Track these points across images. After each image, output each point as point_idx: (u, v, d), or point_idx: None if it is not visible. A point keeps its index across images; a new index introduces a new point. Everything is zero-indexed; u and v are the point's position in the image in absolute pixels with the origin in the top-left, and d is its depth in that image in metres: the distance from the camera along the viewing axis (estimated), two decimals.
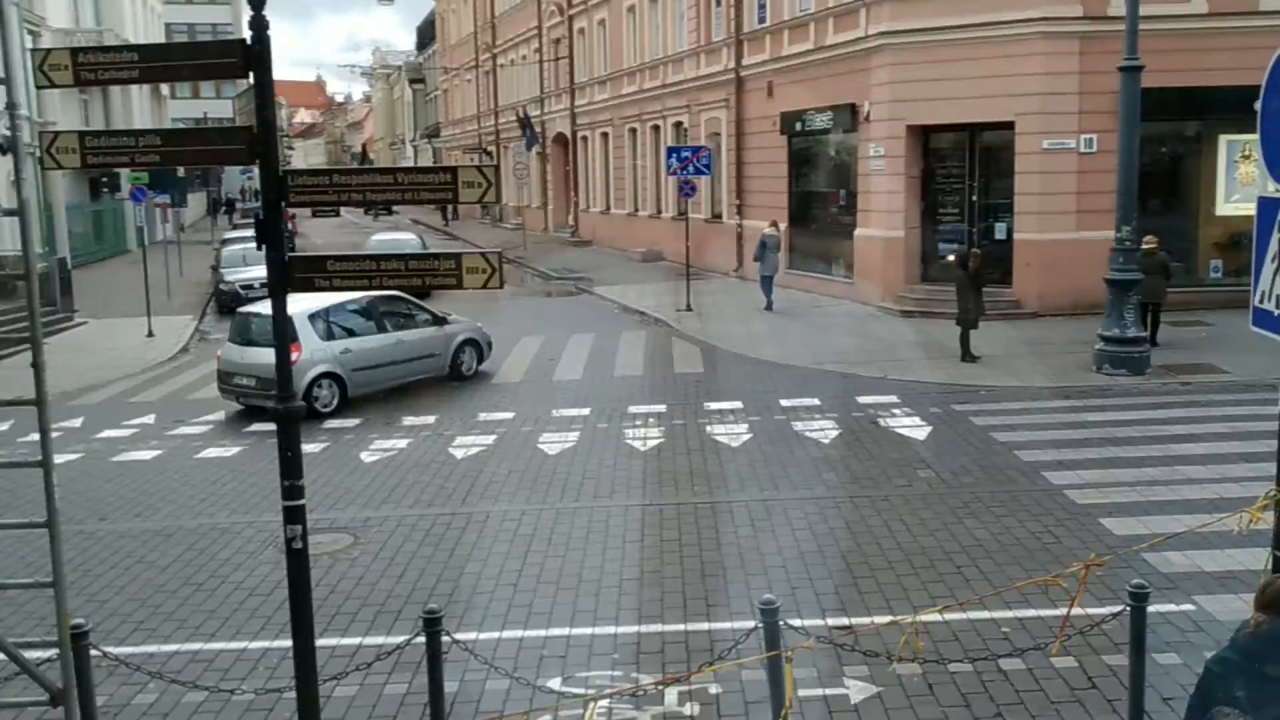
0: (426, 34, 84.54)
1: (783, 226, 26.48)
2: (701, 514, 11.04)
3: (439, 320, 18.63)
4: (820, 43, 25.62)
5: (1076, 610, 8.01)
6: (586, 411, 15.59)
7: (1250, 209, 22.89)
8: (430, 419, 15.59)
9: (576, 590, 9.24)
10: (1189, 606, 8.35)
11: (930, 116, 22.40)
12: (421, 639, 6.57)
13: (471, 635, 8.17)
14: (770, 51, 28.24)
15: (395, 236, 37.04)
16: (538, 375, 18.73)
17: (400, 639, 7.26)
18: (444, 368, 18.43)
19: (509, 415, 15.58)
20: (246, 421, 15.85)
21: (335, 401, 16.47)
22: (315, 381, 16.22)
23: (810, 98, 25.99)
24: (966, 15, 21.55)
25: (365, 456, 13.84)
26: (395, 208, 65.66)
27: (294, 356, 14.07)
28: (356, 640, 8.41)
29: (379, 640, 8.30)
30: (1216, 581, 8.75)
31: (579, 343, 21.63)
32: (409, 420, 15.57)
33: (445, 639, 6.59)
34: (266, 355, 15.06)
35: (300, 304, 15.61)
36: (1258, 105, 21.27)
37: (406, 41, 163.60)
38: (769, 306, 24.11)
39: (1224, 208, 22.05)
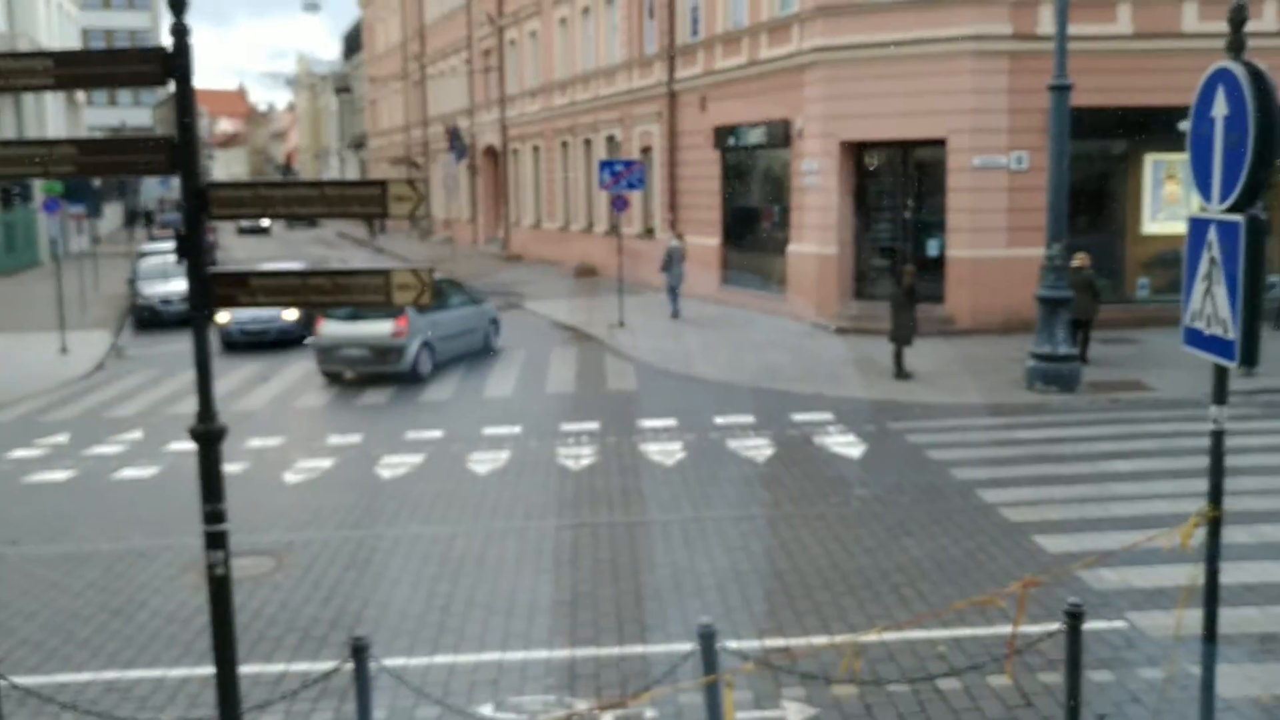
0: (353, 42, 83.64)
1: (716, 242, 26.47)
2: (636, 534, 10.89)
3: (476, 300, 22.05)
4: (754, 57, 25.70)
5: (1010, 629, 8.03)
6: (517, 430, 15.36)
7: (1175, 228, 23.43)
8: (356, 438, 15.26)
9: (508, 614, 9.03)
10: (1121, 624, 8.37)
11: (863, 133, 22.54)
12: (348, 665, 6.33)
13: (400, 661, 7.93)
14: (703, 65, 28.28)
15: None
16: (467, 392, 18.46)
17: (327, 665, 7.02)
18: (480, 343, 21.64)
19: (437, 434, 15.29)
20: (165, 440, 15.39)
21: (430, 367, 19.47)
22: (420, 350, 19.15)
23: (744, 112, 26.04)
24: (899, 31, 21.72)
25: (288, 477, 13.48)
26: (320, 221, 64.88)
27: (401, 328, 18.81)
28: (281, 667, 8.12)
29: (304, 667, 8.03)
30: (1147, 598, 8.78)
31: (510, 359, 21.39)
32: (334, 439, 15.22)
33: (373, 665, 6.36)
34: (378, 326, 18.87)
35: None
36: (1183, 125, 21.63)
37: (332, 50, 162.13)
38: (675, 315, 25.21)
39: (1150, 226, 22.45)
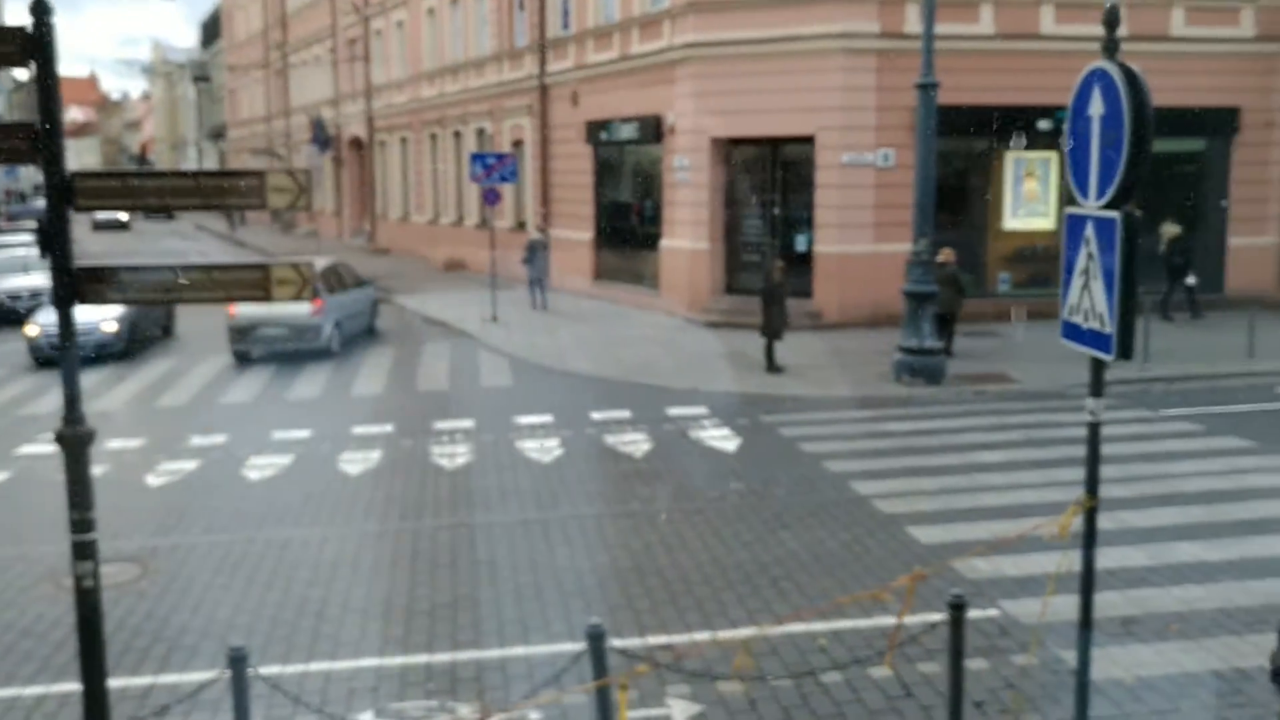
0: (212, 30, 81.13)
1: (589, 237, 26.40)
2: (514, 533, 10.76)
3: (364, 283, 23.07)
4: (625, 52, 25.70)
5: (890, 620, 8.16)
6: (389, 429, 15.05)
7: (1034, 224, 24.17)
8: (220, 439, 14.74)
9: (386, 618, 8.82)
10: (994, 612, 8.58)
11: (734, 129, 22.72)
12: (224, 675, 6.08)
13: (275, 669, 7.68)
14: (575, 59, 28.17)
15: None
16: (336, 391, 18.03)
17: (199, 676, 6.74)
18: (368, 324, 22.87)
19: (306, 434, 14.87)
20: (14, 443, 14.65)
21: (339, 345, 20.74)
22: (332, 328, 20.45)
23: (616, 107, 26.03)
24: (769, 28, 21.95)
25: (151, 480, 12.96)
26: (176, 213, 62.73)
27: (318, 307, 19.84)
28: (148, 680, 7.77)
29: (173, 679, 7.71)
30: (1019, 586, 9.02)
31: (379, 356, 21.00)
32: (198, 441, 14.66)
33: (248, 673, 6.12)
34: (296, 306, 18.96)
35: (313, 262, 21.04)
36: (1043, 124, 22.34)
37: (190, 37, 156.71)
38: (538, 306, 25.59)
39: (1011, 222, 23.17)
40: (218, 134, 77.39)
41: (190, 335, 23.37)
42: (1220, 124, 23.12)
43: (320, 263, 21.16)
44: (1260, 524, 10.41)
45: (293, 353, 20.29)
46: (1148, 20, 21.64)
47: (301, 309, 19.52)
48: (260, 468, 13.30)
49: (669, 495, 11.88)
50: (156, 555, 10.35)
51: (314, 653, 8.19)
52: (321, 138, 43.18)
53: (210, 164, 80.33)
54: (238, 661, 5.91)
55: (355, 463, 13.41)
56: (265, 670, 7.09)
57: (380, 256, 41.27)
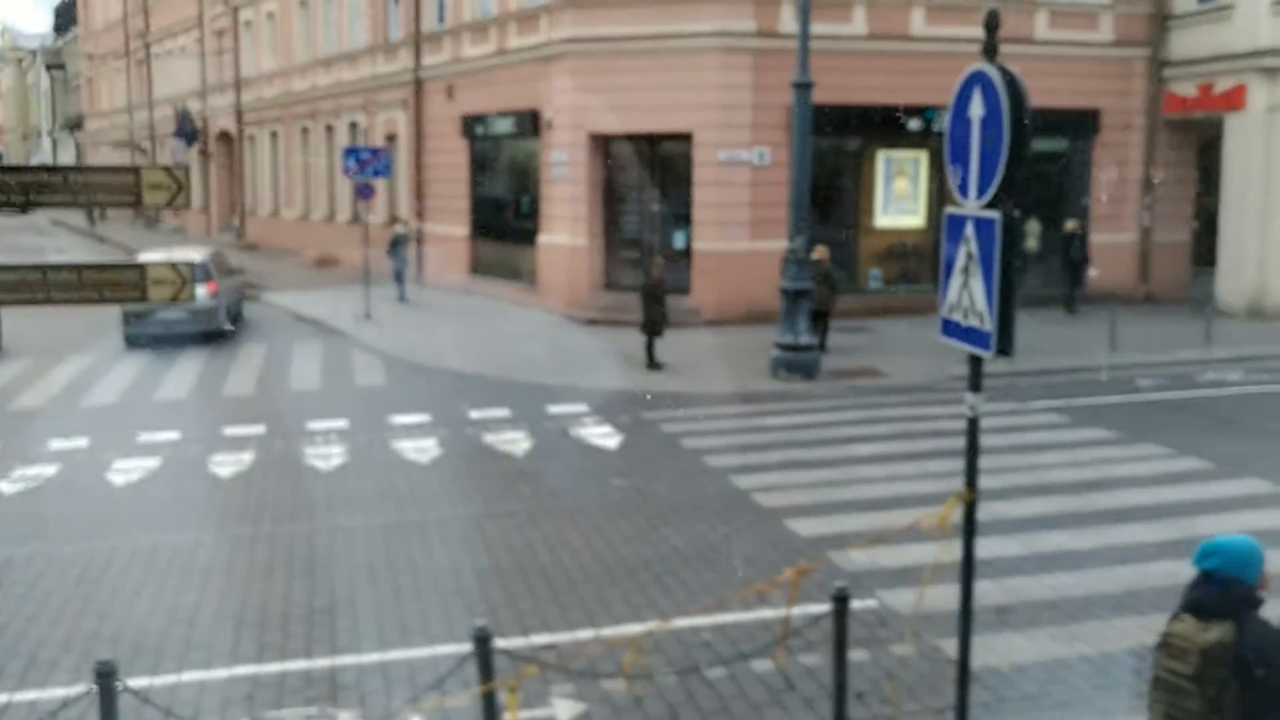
0: (67, 15, 77.92)
1: (465, 232, 26.13)
2: (392, 535, 10.55)
3: (233, 272, 23.89)
4: (502, 46, 25.48)
5: (771, 613, 8.24)
6: (261, 430, 14.63)
7: (904, 222, 24.75)
8: (82, 441, 14.12)
9: (261, 624, 8.56)
10: (872, 602, 8.72)
11: (611, 125, 22.70)
12: (88, 689, 5.81)
13: (144, 681, 7.37)
14: (451, 53, 27.84)
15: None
16: (204, 391, 17.47)
17: (63, 692, 6.44)
18: (239, 309, 23.63)
19: (174, 435, 14.35)
20: None
21: (230, 327, 21.88)
22: (224, 311, 21.52)
23: (492, 101, 25.80)
24: (646, 25, 21.99)
25: (4, 487, 12.36)
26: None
27: (214, 290, 20.88)
28: (4, 698, 7.40)
29: (32, 696, 7.36)
30: (895, 577, 9.17)
31: (249, 355, 20.43)
32: (57, 444, 14.02)
33: (115, 686, 5.85)
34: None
35: (189, 253, 23.11)
36: (913, 124, 22.87)
37: (42, 22, 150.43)
38: (401, 298, 26.04)
39: (882, 220, 23.67)
40: (74, 125, 74.37)
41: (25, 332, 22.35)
42: (1082, 125, 23.98)
43: (202, 251, 22.85)
44: (1124, 512, 10.80)
45: (190, 335, 20.73)
46: (1012, 24, 22.13)
47: (200, 291, 19.62)
48: (126, 471, 12.79)
49: (550, 493, 11.81)
50: (12, 566, 9.86)
51: (186, 662, 7.90)
52: (188, 130, 41.81)
53: (66, 156, 77.18)
54: (104, 675, 5.65)
55: (227, 465, 13.00)
56: (135, 682, 6.80)
57: (250, 253, 40.15)
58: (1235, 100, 22.62)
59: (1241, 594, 4.46)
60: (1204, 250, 25.02)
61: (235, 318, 23.25)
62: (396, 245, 26.44)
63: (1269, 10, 21.87)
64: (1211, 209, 24.50)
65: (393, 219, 31.34)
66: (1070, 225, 23.00)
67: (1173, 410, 15.48)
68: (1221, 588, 4.46)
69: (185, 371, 18.77)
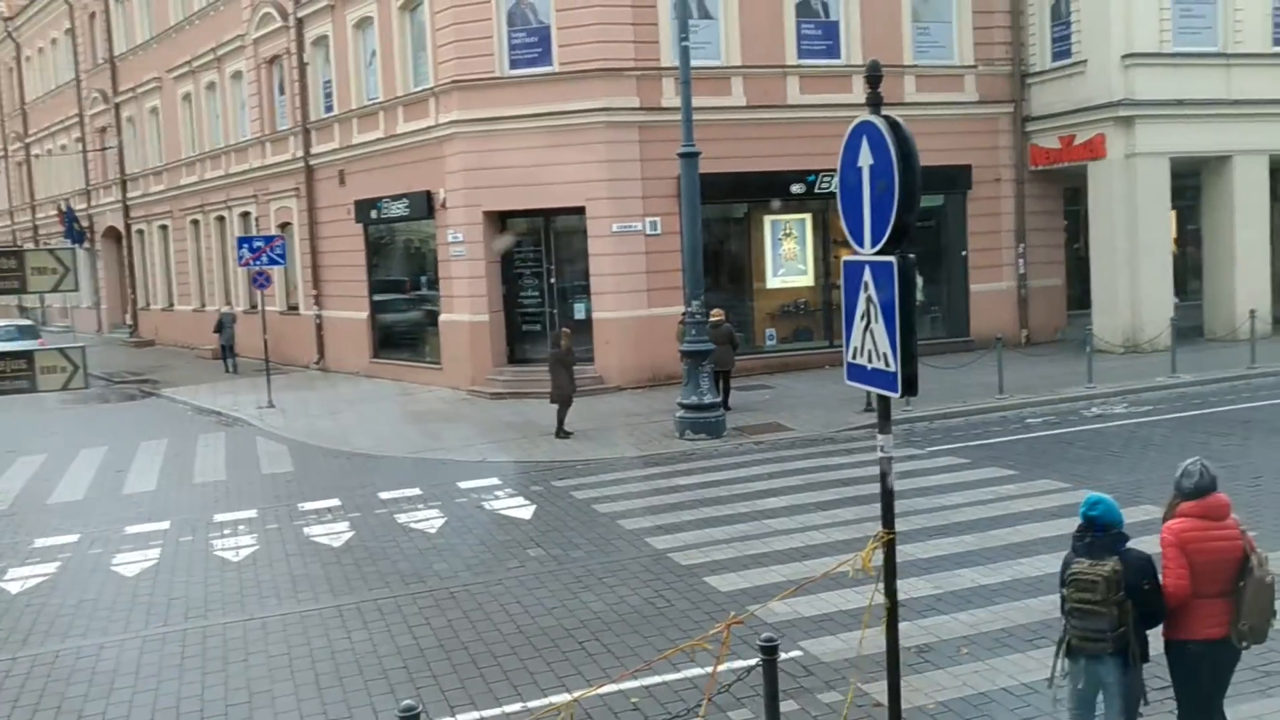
0: None
1: (364, 315, 25.95)
2: (309, 622, 10.38)
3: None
4: (391, 130, 25.61)
5: (698, 671, 8.30)
6: (166, 525, 14.31)
7: (794, 282, 25.39)
8: None
9: None
10: (797, 653, 8.81)
11: (505, 203, 22.91)
12: None
13: None
14: (340, 140, 27.87)
15: None
16: (104, 490, 17.02)
17: None
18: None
19: (73, 538, 13.95)
20: None
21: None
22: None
23: (385, 185, 25.85)
24: (533, 105, 22.35)
25: None
26: None
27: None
28: None
29: None
30: (816, 625, 9.31)
31: (150, 450, 19.97)
32: None
33: None
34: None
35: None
36: (796, 188, 23.55)
37: None
38: (231, 370, 29.68)
39: (773, 281, 24.20)
40: None
41: None
42: (955, 180, 24.88)
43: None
44: (1027, 546, 11.11)
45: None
46: (882, 86, 23.16)
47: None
48: (22, 579, 12.37)
49: (467, 568, 11.74)
50: None
51: None
52: (74, 230, 40.90)
53: None
54: None
55: (131, 563, 12.66)
56: None
57: (144, 349, 39.40)
58: (1096, 149, 23.73)
59: (1118, 534, 5.98)
60: (1077, 293, 26.09)
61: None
62: (223, 325, 30.65)
63: (1119, 65, 23.10)
64: (1082, 254, 25.58)
65: (292, 307, 31.10)
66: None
67: (1064, 444, 15.99)
68: (1104, 531, 5.97)
69: (81, 471, 18.28)
